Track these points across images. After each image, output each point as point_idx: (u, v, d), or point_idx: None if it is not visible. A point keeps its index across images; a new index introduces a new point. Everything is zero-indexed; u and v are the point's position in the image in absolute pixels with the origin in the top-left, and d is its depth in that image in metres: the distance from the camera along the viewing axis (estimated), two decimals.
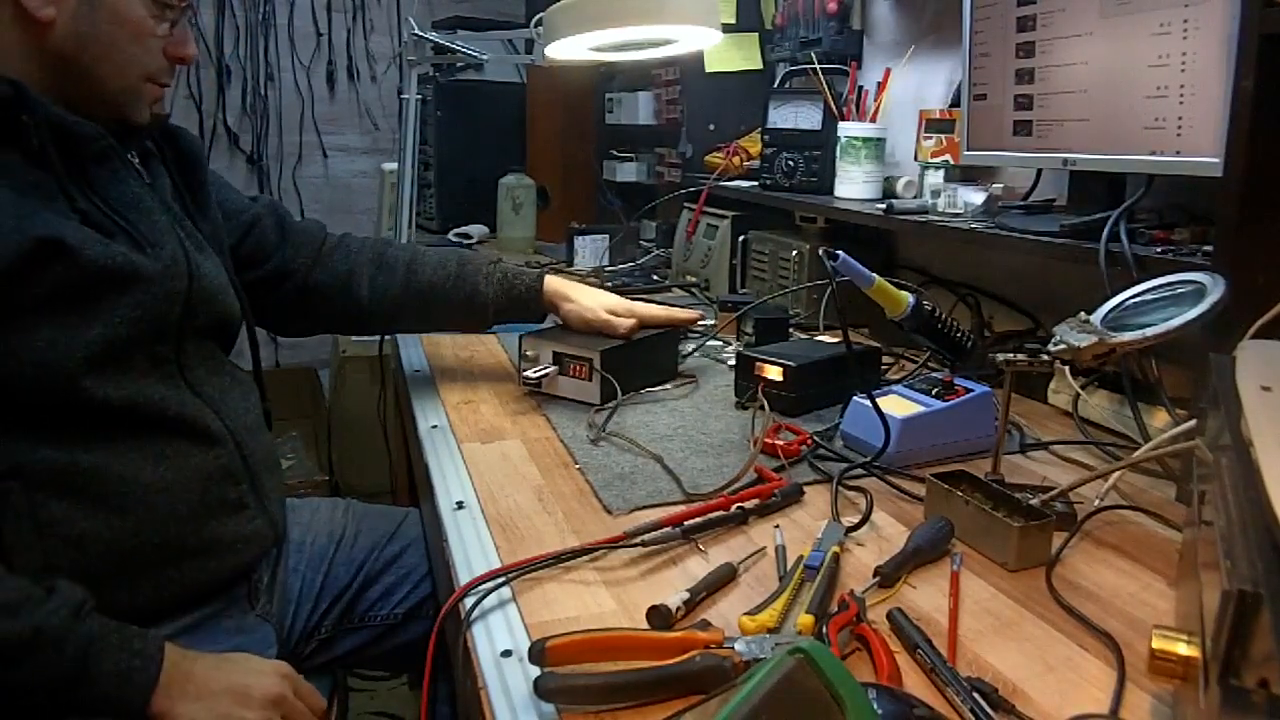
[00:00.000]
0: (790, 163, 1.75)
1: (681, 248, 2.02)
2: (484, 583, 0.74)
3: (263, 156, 3.18)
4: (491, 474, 0.97)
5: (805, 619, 0.66)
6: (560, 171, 2.57)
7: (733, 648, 0.61)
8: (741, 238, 1.81)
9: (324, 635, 1.11)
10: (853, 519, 0.85)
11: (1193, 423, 0.85)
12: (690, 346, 1.42)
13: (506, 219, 2.43)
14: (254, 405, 1.02)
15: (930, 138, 1.50)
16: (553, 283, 1.27)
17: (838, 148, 1.64)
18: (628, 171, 2.43)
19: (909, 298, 1.01)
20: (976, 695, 0.59)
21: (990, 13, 1.26)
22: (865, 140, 1.60)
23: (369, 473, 2.42)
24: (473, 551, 0.80)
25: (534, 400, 1.21)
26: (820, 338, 1.42)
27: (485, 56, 1.97)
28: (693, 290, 1.90)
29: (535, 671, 0.60)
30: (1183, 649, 0.51)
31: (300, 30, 3.17)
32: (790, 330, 1.46)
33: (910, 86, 1.64)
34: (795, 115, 1.76)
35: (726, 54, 2.01)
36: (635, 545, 0.79)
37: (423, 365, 1.40)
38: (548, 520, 0.87)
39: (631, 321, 1.24)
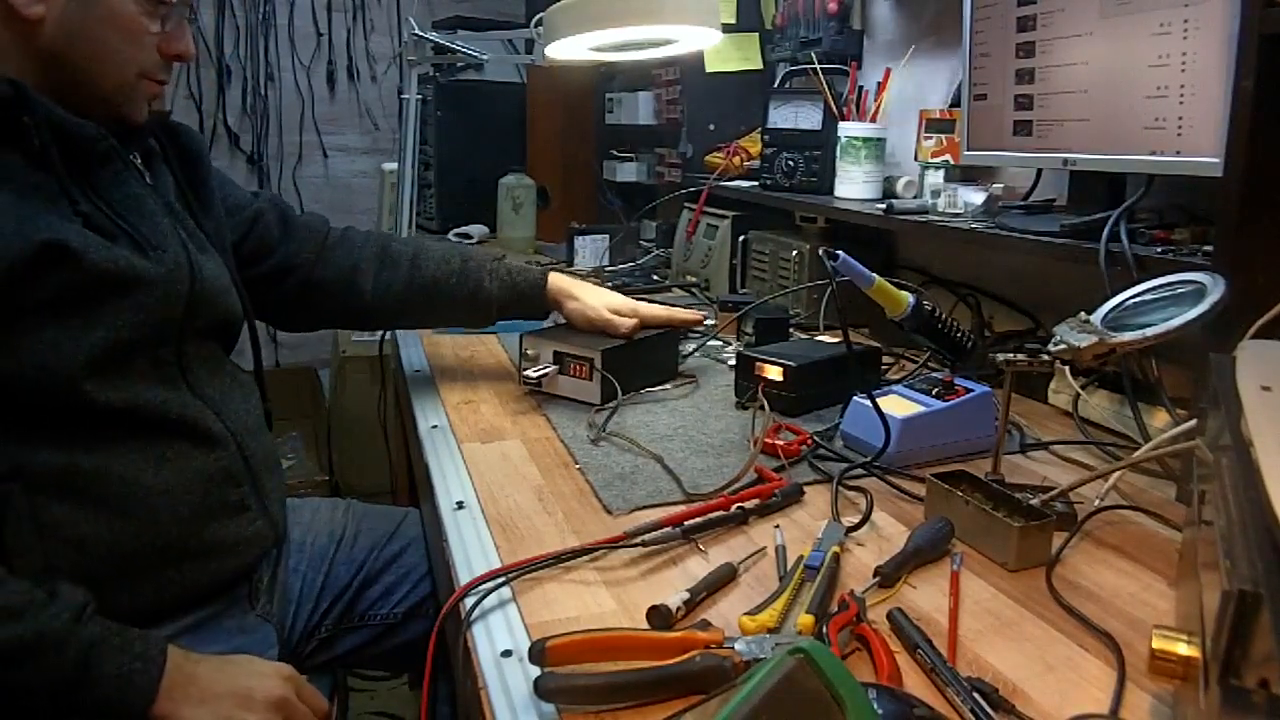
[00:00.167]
0: (790, 163, 1.75)
1: (681, 248, 2.02)
2: (484, 583, 0.74)
3: (263, 156, 3.18)
4: (491, 474, 0.97)
5: (805, 619, 0.66)
6: (560, 171, 2.56)
7: (733, 648, 0.61)
8: (741, 238, 1.81)
9: (324, 635, 1.10)
10: (853, 519, 0.85)
11: (1193, 423, 0.85)
12: (690, 346, 1.42)
13: (506, 219, 2.43)
14: (255, 406, 1.01)
15: (930, 138, 1.50)
16: (557, 280, 1.27)
17: (838, 148, 1.64)
18: (628, 171, 2.43)
19: (909, 298, 1.01)
20: (976, 695, 0.59)
21: (990, 13, 1.26)
22: (865, 140, 1.60)
23: (369, 473, 2.42)
24: (473, 551, 0.80)
25: (534, 400, 1.21)
26: (820, 338, 1.43)
27: (485, 56, 1.97)
28: (693, 290, 1.90)
29: (535, 671, 0.60)
30: (1183, 649, 0.51)
31: (300, 30, 3.17)
32: (790, 330, 1.46)
33: (910, 86, 1.64)
34: (795, 115, 1.76)
35: (727, 54, 2.01)
36: (635, 545, 0.79)
37: (423, 365, 1.40)
38: (548, 520, 0.87)
39: (633, 321, 1.24)
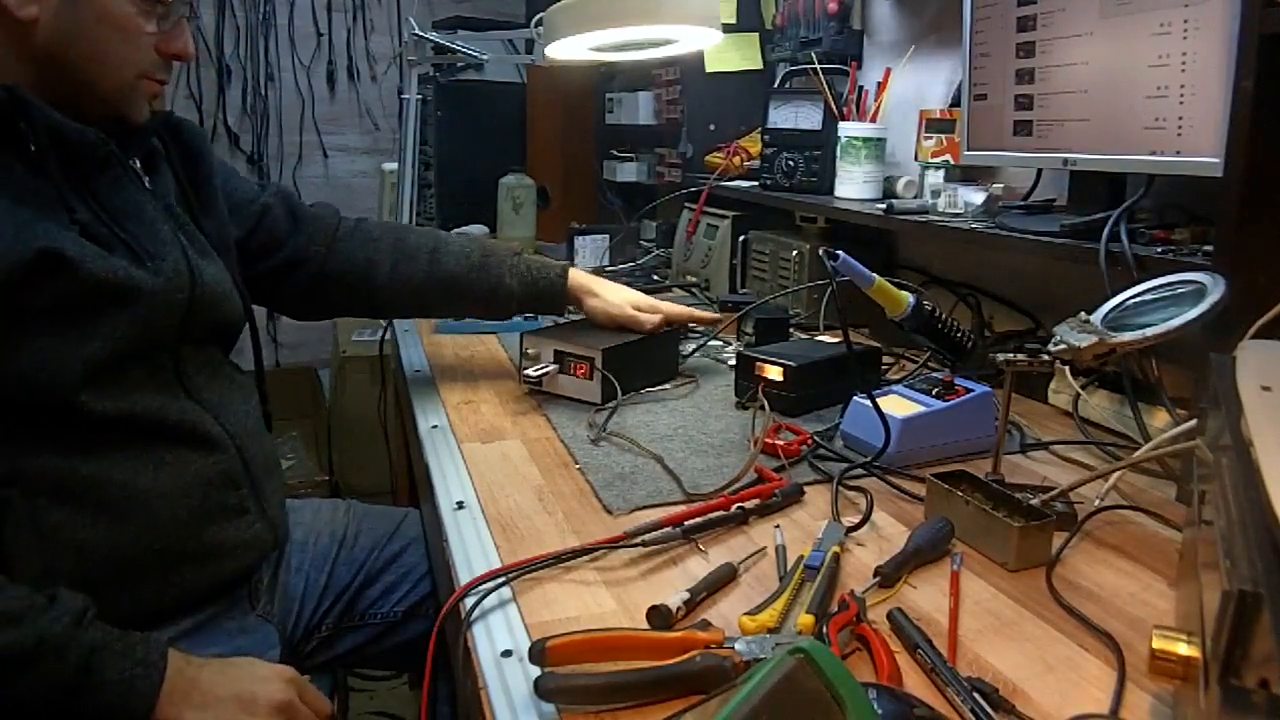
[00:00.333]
0: (790, 163, 1.75)
1: (682, 248, 2.02)
2: (484, 583, 0.74)
3: (263, 156, 3.18)
4: (492, 474, 0.97)
5: (805, 619, 0.66)
6: (560, 171, 2.56)
7: (733, 648, 0.61)
8: (742, 238, 1.81)
9: (324, 634, 1.10)
10: (853, 519, 0.85)
11: (1193, 423, 0.85)
12: (690, 346, 1.42)
13: (507, 219, 2.43)
14: (254, 408, 1.01)
15: (930, 138, 1.50)
16: (577, 277, 1.27)
17: (838, 148, 1.64)
18: (628, 171, 2.43)
19: (909, 298, 1.01)
20: (977, 695, 0.59)
21: (990, 13, 1.26)
22: (865, 140, 1.60)
23: (369, 473, 2.43)
24: (473, 551, 0.80)
25: (534, 400, 1.21)
26: (820, 338, 1.42)
27: (485, 56, 1.97)
28: (693, 290, 1.90)
29: (535, 671, 0.60)
30: (1183, 649, 0.51)
31: (300, 30, 3.17)
32: (790, 330, 1.46)
33: (910, 86, 1.64)
34: (795, 115, 1.76)
35: (727, 54, 2.01)
36: (635, 545, 0.79)
37: (423, 365, 1.40)
38: (548, 520, 0.87)
39: (658, 317, 1.23)
